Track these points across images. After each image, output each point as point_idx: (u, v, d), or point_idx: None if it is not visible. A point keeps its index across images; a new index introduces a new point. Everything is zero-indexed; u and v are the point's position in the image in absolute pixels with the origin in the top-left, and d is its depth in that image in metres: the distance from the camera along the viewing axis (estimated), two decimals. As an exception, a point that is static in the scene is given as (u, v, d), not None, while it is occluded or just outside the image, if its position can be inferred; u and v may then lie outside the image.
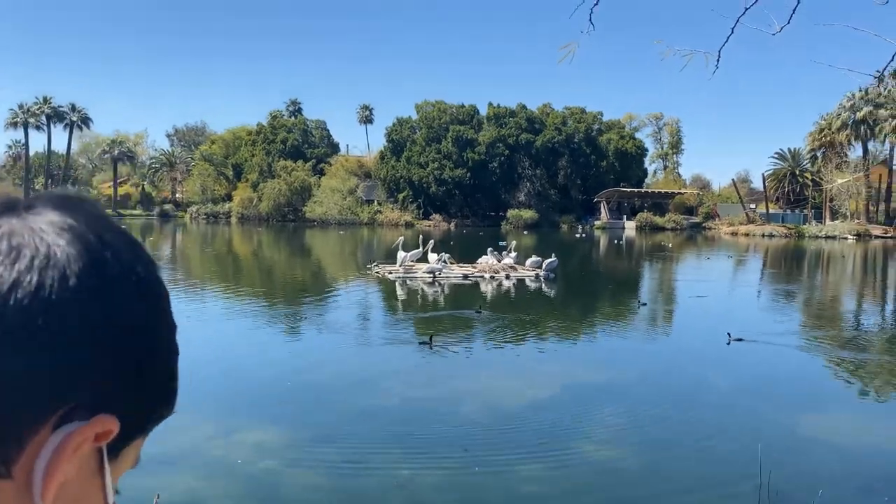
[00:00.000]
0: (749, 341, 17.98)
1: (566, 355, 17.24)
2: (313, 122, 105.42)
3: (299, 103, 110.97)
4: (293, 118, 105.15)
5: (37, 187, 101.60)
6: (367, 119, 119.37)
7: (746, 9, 4.49)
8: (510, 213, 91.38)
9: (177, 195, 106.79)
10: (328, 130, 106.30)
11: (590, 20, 4.79)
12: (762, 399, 13.28)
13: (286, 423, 11.14)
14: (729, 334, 17.80)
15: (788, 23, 4.53)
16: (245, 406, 12.07)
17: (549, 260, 33.29)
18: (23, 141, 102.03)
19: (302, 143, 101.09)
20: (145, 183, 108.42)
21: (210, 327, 19.50)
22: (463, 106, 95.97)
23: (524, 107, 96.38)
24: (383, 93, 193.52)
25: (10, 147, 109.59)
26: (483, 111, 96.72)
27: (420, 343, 16.79)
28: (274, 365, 15.18)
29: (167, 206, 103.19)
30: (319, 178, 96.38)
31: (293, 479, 8.97)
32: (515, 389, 13.42)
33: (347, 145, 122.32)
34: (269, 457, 9.62)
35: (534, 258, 34.21)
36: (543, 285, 31.01)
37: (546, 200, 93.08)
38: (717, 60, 4.81)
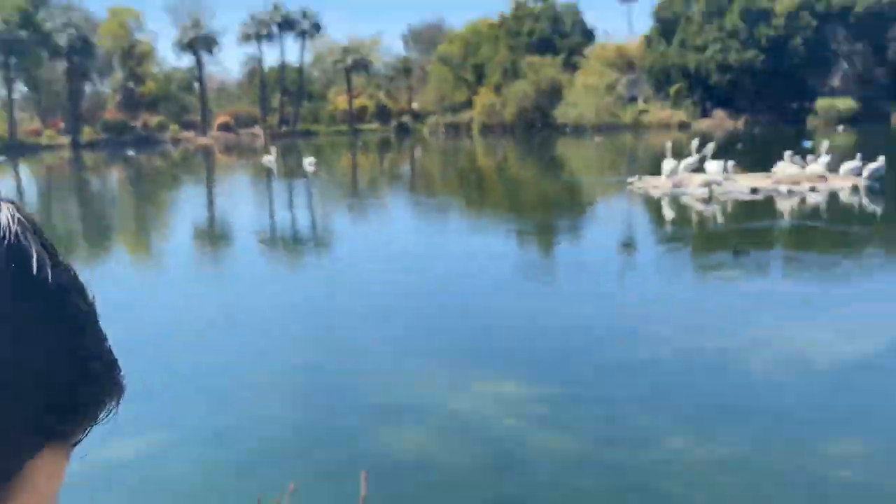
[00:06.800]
0: None
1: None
2: (563, 6, 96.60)
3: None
4: (540, 4, 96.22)
5: (273, 105, 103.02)
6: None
7: None
8: (819, 103, 77.37)
9: (413, 104, 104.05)
10: (581, 15, 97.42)
11: None
12: None
13: (534, 374, 10.35)
14: None
15: None
16: (487, 353, 11.42)
17: (875, 165, 27.34)
18: (257, 55, 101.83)
19: (551, 34, 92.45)
20: (381, 94, 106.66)
21: (455, 246, 20.94)
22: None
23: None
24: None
25: (244, 63, 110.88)
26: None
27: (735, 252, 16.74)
28: (517, 303, 14.33)
29: (404, 119, 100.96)
30: (572, 74, 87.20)
31: (540, 444, 8.11)
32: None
33: (605, 31, 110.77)
34: (511, 414, 8.93)
35: (853, 163, 28.16)
36: (864, 198, 25.45)
37: (870, 84, 77.62)
38: None
